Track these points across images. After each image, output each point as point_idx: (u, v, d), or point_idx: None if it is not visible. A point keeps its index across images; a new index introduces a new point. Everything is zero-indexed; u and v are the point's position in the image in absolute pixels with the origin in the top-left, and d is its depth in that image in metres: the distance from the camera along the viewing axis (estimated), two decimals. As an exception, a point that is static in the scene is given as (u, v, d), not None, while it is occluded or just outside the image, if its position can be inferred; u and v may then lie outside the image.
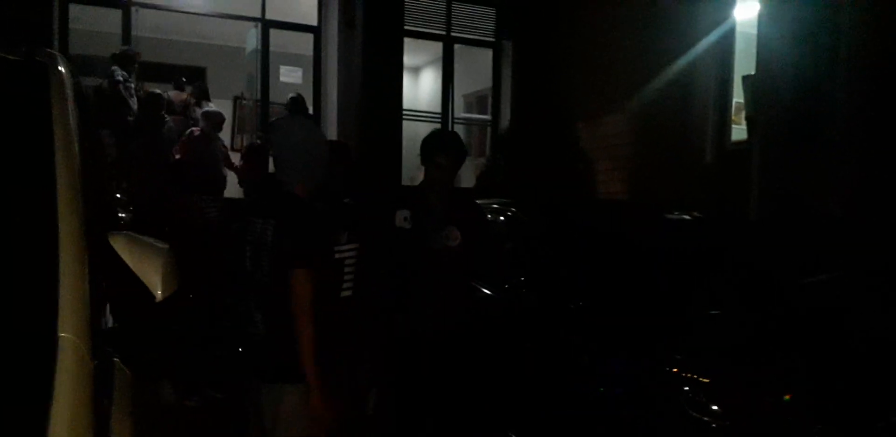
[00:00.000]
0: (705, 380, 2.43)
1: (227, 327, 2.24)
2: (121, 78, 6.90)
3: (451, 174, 3.03)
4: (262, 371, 2.25)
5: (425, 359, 2.91)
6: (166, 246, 1.53)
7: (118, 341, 1.46)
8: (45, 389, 0.98)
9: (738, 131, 6.69)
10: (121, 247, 1.43)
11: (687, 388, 2.43)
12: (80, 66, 7.50)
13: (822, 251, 4.54)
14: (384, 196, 3.32)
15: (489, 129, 9.58)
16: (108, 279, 1.46)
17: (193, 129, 7.07)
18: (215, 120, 7.12)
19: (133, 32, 7.80)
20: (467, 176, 9.91)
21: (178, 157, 6.70)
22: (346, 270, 2.61)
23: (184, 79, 8.72)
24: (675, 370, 2.50)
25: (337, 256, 2.57)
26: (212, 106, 7.99)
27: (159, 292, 1.40)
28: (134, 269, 1.41)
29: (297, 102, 7.94)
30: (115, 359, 1.41)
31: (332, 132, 8.28)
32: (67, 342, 1.05)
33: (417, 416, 2.96)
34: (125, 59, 7.11)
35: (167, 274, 1.42)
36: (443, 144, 3.00)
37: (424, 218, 2.94)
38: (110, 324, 1.47)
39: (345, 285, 2.60)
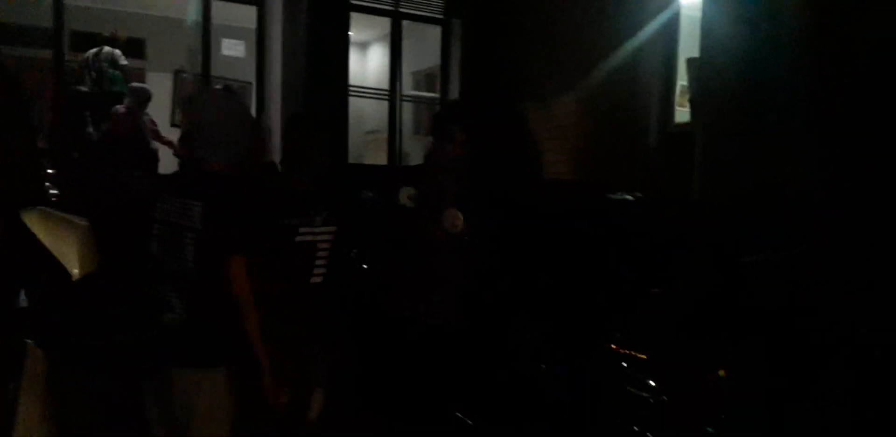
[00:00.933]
0: (642, 356, 2.46)
1: (139, 311, 2.07)
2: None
3: (467, 150, 2.73)
4: (180, 357, 2.05)
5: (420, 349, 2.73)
6: (84, 222, 1.43)
7: (32, 322, 1.37)
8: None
9: (683, 114, 6.80)
10: (34, 223, 1.34)
11: (625, 364, 2.46)
12: (5, 34, 7.14)
13: (764, 231, 4.67)
14: (384, 172, 3.05)
15: (438, 108, 9.49)
16: (22, 257, 1.36)
17: (118, 106, 6.88)
18: (142, 96, 6.97)
19: (66, 1, 7.40)
20: (416, 156, 9.85)
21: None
22: (319, 254, 2.43)
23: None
24: (614, 346, 2.53)
25: (308, 238, 2.40)
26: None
27: (75, 271, 1.31)
28: (48, 246, 1.32)
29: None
30: (28, 341, 1.33)
31: (275, 108, 8.07)
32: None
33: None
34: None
35: (84, 251, 1.33)
36: (461, 114, 2.72)
37: (432, 198, 2.64)
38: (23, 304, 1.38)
39: (316, 271, 2.43)
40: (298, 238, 2.38)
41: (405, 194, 2.61)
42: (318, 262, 2.42)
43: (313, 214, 2.44)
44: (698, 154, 6.12)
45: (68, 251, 1.32)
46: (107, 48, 7.80)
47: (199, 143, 2.15)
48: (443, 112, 2.67)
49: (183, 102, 6.23)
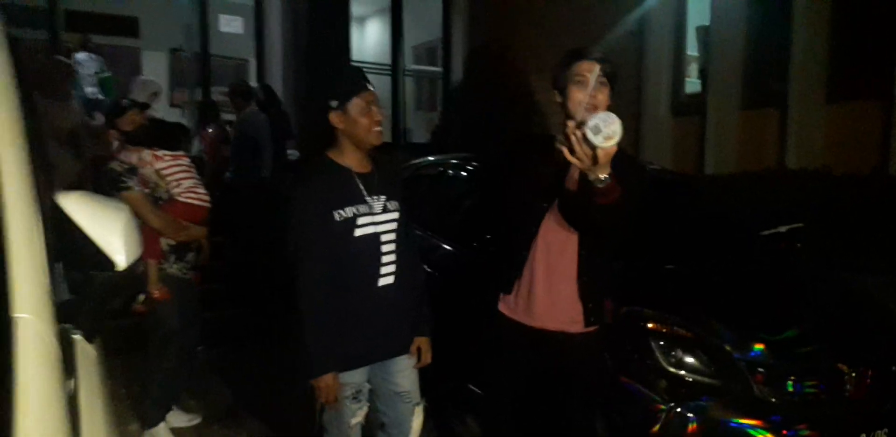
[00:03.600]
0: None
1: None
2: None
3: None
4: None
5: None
6: (126, 207, 1.38)
7: (78, 316, 1.33)
8: (5, 378, 0.86)
9: (692, 84, 6.72)
10: (74, 208, 1.29)
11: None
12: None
13: (777, 203, 4.65)
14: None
15: (440, 82, 9.36)
16: (63, 246, 1.31)
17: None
18: (150, 89, 6.86)
19: (56, -23, 7.22)
20: (419, 132, 9.74)
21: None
22: (384, 250, 2.13)
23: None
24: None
25: (362, 232, 2.09)
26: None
27: (122, 258, 1.26)
28: (91, 233, 1.27)
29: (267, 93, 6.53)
30: (76, 336, 1.28)
31: (276, 86, 7.94)
32: (26, 323, 0.93)
33: None
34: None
35: (129, 238, 1.28)
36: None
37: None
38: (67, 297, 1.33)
39: (383, 271, 2.14)
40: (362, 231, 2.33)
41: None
42: (386, 259, 2.20)
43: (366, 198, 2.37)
44: (709, 125, 6.06)
45: (113, 237, 1.27)
46: (80, 55, 7.65)
47: None
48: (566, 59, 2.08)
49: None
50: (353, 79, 2.12)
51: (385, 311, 2.15)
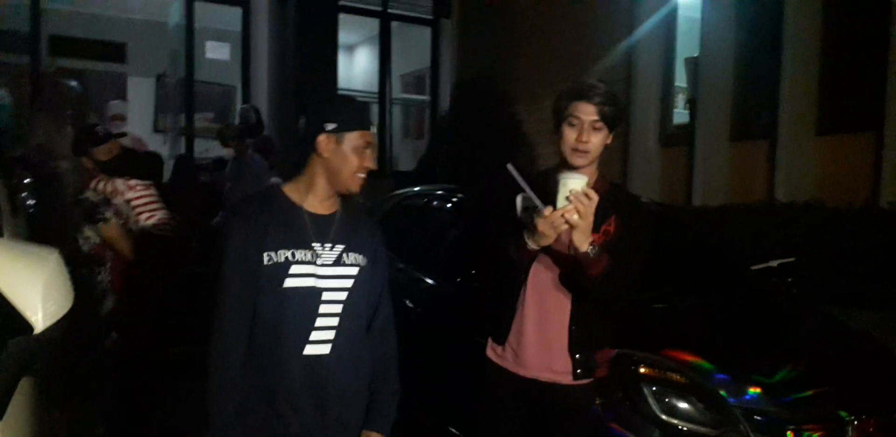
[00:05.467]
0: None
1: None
2: None
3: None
4: None
5: None
6: (53, 256, 1.20)
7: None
8: None
9: (680, 115, 6.69)
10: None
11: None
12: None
13: (767, 237, 4.56)
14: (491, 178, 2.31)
15: (428, 110, 9.34)
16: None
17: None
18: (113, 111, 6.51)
19: (43, 5, 7.18)
20: (406, 160, 9.68)
21: None
22: (323, 311, 1.74)
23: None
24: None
25: (293, 283, 1.72)
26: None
27: (39, 318, 1.08)
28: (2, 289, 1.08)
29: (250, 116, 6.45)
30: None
31: (262, 111, 7.88)
32: None
33: None
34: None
35: (54, 292, 1.12)
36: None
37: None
38: None
39: (315, 337, 1.74)
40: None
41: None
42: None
43: None
44: (697, 156, 6.01)
45: (32, 294, 1.11)
46: None
47: None
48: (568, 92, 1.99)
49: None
50: (362, 113, 1.81)
51: (310, 388, 1.72)
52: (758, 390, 2.37)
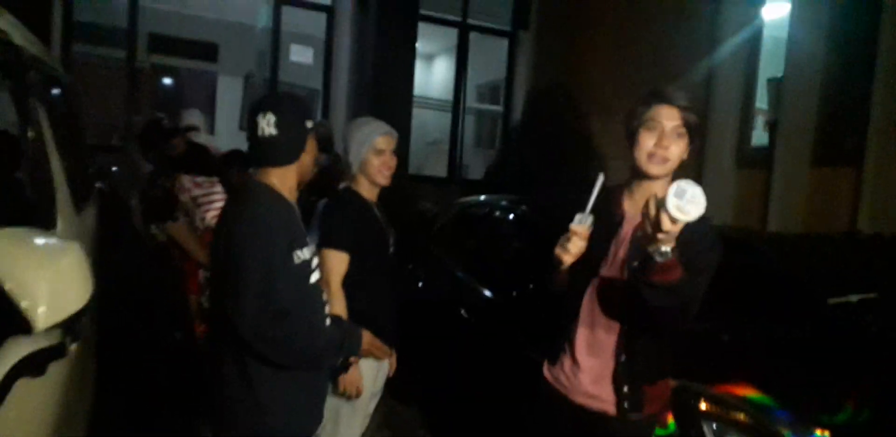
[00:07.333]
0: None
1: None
2: None
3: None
4: None
5: None
6: (74, 249, 1.12)
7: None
8: None
9: (759, 137, 6.46)
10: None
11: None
12: (84, 33, 7.31)
13: (847, 269, 4.34)
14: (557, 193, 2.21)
15: (501, 121, 9.35)
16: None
17: None
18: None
19: (140, 2, 7.54)
20: (476, 169, 9.70)
21: None
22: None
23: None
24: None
25: (315, 278, 2.00)
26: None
27: (42, 315, 1.03)
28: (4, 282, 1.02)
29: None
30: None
31: (340, 116, 8.06)
32: None
33: None
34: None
35: (66, 288, 1.06)
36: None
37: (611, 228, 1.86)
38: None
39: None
40: None
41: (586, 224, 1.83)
42: None
43: None
44: (776, 179, 5.78)
45: (36, 289, 1.06)
46: None
47: None
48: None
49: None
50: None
51: None
52: (826, 433, 2.24)
